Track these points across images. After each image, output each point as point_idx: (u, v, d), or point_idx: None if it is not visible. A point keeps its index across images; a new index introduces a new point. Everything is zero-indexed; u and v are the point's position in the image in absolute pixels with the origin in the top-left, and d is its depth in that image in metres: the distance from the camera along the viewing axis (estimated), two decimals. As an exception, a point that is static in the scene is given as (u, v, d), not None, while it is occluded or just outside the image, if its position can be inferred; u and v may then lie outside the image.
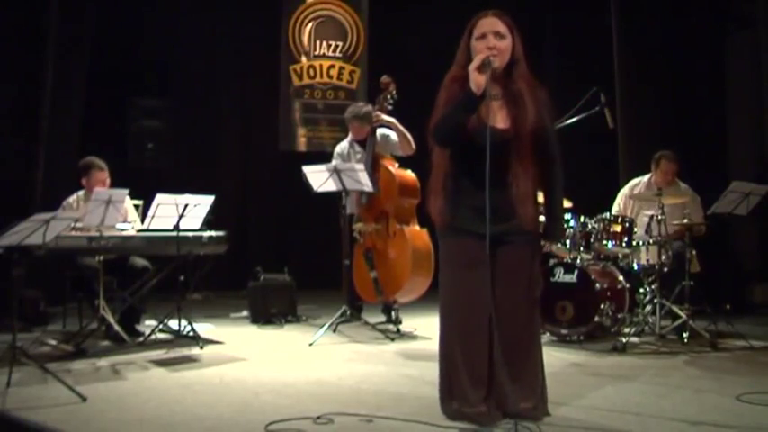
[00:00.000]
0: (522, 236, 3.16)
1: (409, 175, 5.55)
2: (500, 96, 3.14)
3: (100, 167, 5.35)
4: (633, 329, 5.19)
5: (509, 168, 3.09)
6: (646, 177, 6.00)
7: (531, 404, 3.16)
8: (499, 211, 3.03)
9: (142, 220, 5.34)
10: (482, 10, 3.20)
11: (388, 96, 5.53)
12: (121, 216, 5.08)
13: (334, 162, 5.87)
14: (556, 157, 3.24)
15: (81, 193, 5.41)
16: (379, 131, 5.69)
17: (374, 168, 5.53)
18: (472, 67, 2.95)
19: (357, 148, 5.84)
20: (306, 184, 5.37)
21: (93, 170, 5.33)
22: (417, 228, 5.49)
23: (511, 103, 3.12)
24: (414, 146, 5.50)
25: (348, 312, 5.55)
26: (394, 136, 5.64)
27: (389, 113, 5.55)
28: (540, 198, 3.35)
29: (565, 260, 5.42)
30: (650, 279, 5.49)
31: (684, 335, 5.07)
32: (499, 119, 3.12)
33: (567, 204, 5.78)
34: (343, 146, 5.98)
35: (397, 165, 5.61)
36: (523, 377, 3.17)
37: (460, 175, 3.14)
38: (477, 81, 2.94)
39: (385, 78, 5.61)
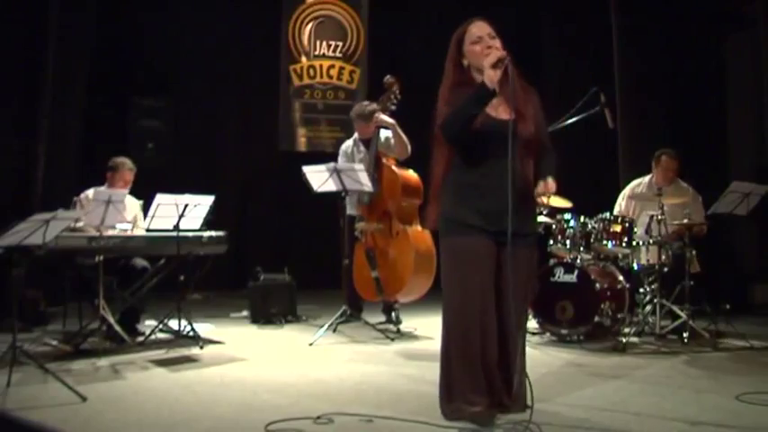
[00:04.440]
0: (525, 236, 3.22)
1: (412, 175, 5.52)
2: (499, 92, 3.16)
3: (129, 167, 5.47)
4: (633, 329, 5.19)
5: (515, 163, 3.13)
6: (647, 177, 6.00)
7: (526, 397, 3.26)
8: (506, 208, 3.08)
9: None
10: (481, 9, 3.24)
11: (392, 96, 5.48)
12: (122, 216, 5.07)
13: (339, 160, 5.87)
14: (550, 147, 3.35)
15: (90, 191, 5.39)
16: (383, 133, 5.68)
17: (377, 168, 5.51)
18: (487, 63, 3.03)
19: (362, 147, 5.82)
20: (306, 184, 5.37)
21: (123, 168, 5.43)
22: (419, 228, 5.48)
23: (509, 95, 3.15)
24: (409, 150, 5.53)
25: (348, 312, 5.55)
26: (393, 138, 5.64)
27: (392, 114, 5.51)
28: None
29: (565, 260, 5.42)
30: (650, 279, 5.49)
31: (684, 335, 5.07)
32: (501, 111, 3.18)
33: (567, 204, 5.79)
34: (348, 144, 5.98)
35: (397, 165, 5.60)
36: (522, 372, 3.22)
37: (468, 174, 3.16)
38: (491, 76, 3.01)
39: (389, 78, 5.54)
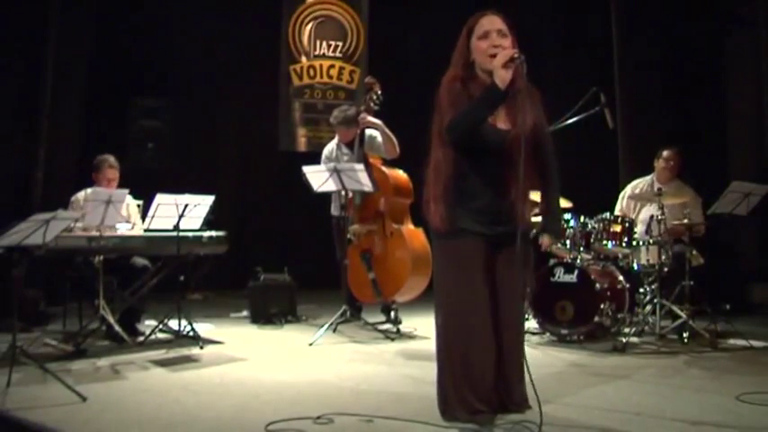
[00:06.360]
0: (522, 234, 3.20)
1: (402, 175, 5.57)
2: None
3: (110, 164, 5.40)
4: (633, 329, 5.19)
5: (510, 169, 3.09)
6: (648, 177, 6.00)
7: (526, 397, 3.25)
8: (502, 212, 3.10)
9: (142, 220, 5.33)
10: (482, 9, 3.20)
11: (374, 97, 5.53)
12: (121, 216, 5.07)
13: (321, 164, 5.87)
14: (552, 156, 3.28)
15: (89, 190, 5.39)
16: (367, 132, 5.69)
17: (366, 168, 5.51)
18: (498, 63, 2.94)
19: (344, 149, 5.83)
20: (306, 184, 5.37)
21: (104, 166, 5.38)
22: (412, 227, 5.51)
23: (511, 101, 3.09)
24: (398, 149, 5.55)
25: (348, 312, 5.55)
26: (380, 138, 5.62)
27: (375, 114, 5.54)
28: (536, 198, 3.38)
29: (565, 260, 5.42)
30: (650, 279, 5.49)
31: (684, 335, 5.07)
32: (500, 119, 3.12)
33: (567, 204, 5.79)
34: (330, 147, 5.98)
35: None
36: (521, 372, 3.22)
37: (465, 177, 3.12)
38: (502, 77, 2.92)
39: (369, 79, 5.65)
